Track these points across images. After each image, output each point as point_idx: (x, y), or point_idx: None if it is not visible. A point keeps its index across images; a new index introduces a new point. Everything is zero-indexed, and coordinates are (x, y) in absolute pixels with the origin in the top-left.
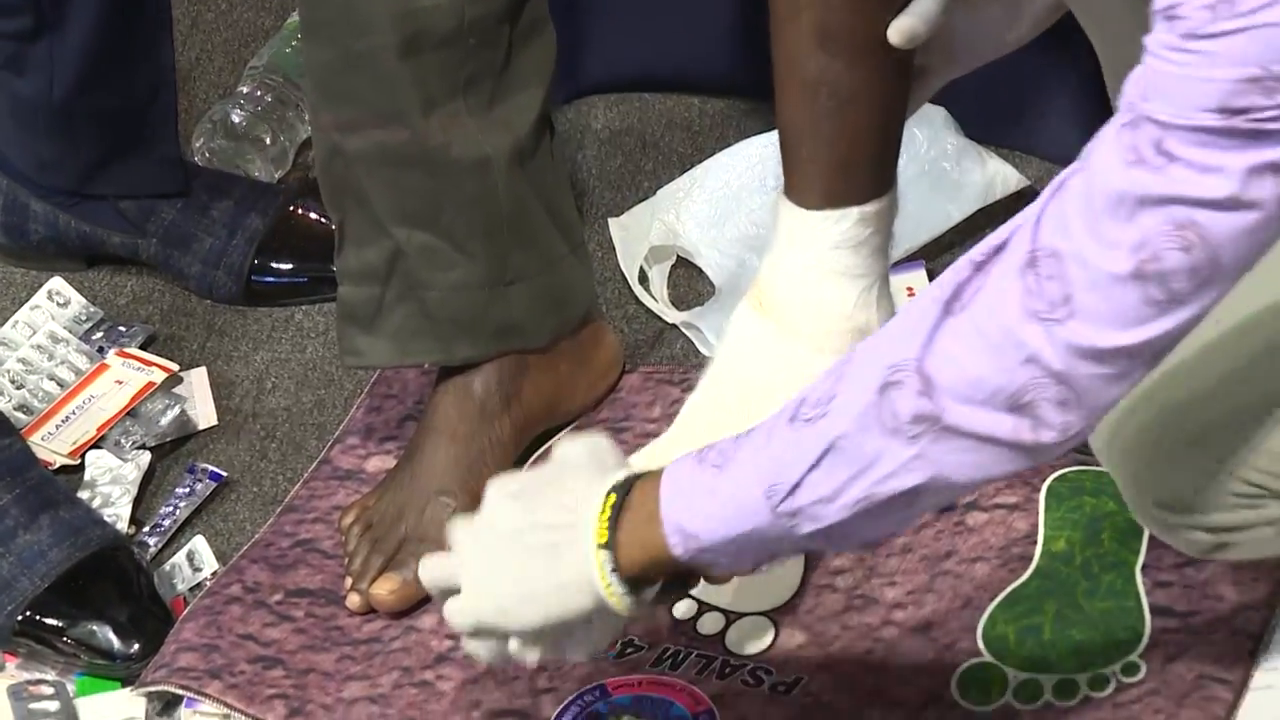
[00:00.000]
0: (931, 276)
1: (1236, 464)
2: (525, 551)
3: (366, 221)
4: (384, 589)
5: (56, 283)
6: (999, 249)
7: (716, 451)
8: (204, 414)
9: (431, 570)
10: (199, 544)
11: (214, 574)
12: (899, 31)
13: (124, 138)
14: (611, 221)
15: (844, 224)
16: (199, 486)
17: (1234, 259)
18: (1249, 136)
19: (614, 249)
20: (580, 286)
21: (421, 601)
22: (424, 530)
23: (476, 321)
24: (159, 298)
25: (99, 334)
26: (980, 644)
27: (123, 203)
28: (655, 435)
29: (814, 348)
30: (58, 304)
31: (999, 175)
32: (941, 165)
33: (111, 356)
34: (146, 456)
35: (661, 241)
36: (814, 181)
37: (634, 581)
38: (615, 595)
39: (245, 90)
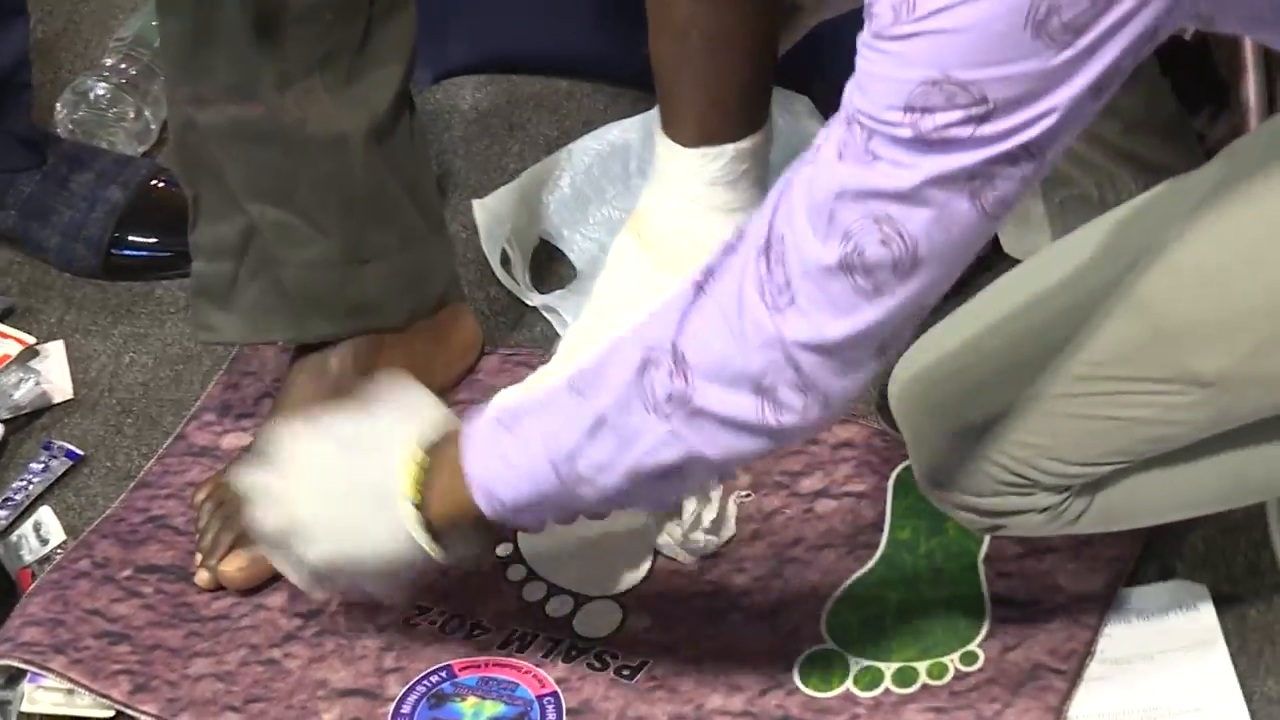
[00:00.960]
0: None
1: (994, 452)
2: (353, 502)
3: (220, 197)
4: (233, 566)
5: None
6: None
7: (509, 412)
8: (60, 388)
9: (254, 483)
10: (45, 514)
11: (61, 545)
12: None
13: None
14: (475, 203)
15: (719, 162)
16: (54, 464)
17: (932, 253)
18: (937, 147)
19: (477, 230)
20: (438, 266)
21: (270, 580)
22: None
23: (331, 299)
24: (17, 270)
25: None
26: (824, 631)
27: None
28: None
29: None
30: None
31: None
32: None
33: None
34: None
35: (524, 224)
36: (688, 120)
37: (450, 528)
38: (431, 548)
39: (110, 63)
